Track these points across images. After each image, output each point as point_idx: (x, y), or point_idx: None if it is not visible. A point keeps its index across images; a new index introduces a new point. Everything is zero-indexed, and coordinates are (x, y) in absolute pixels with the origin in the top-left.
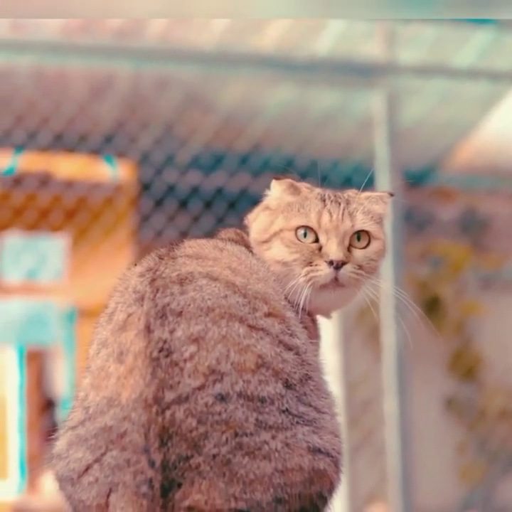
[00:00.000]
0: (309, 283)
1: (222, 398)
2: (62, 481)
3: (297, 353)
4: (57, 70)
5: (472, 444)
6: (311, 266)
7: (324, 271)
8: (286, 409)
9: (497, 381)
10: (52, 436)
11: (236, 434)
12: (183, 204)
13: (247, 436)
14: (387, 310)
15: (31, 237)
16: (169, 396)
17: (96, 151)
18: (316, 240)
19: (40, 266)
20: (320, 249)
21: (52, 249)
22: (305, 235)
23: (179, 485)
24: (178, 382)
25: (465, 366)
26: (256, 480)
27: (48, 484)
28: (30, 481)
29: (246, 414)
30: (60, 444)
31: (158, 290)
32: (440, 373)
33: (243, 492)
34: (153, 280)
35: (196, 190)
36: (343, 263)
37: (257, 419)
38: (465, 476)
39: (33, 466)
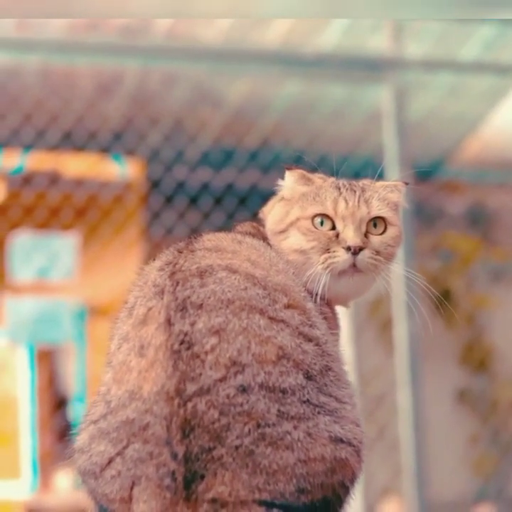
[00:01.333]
0: (327, 269)
1: (243, 389)
2: (85, 475)
3: (317, 344)
4: (65, 69)
5: (485, 436)
6: (328, 253)
7: (342, 257)
8: (308, 400)
9: (509, 373)
10: (66, 435)
11: (258, 425)
12: (193, 201)
13: (269, 427)
14: (399, 303)
15: (41, 236)
16: (191, 388)
17: (105, 149)
18: (333, 228)
19: (51, 264)
20: (337, 236)
21: (62, 248)
22: (322, 223)
23: (202, 477)
24: (200, 374)
25: (477, 358)
26: (279, 470)
27: (61, 483)
28: (42, 479)
29: (268, 405)
30: (82, 438)
31: (178, 283)
32: (452, 366)
33: (266, 483)
34: (172, 273)
35: (206, 186)
36: (361, 249)
37: (278, 410)
38: (478, 468)
39: (45, 464)
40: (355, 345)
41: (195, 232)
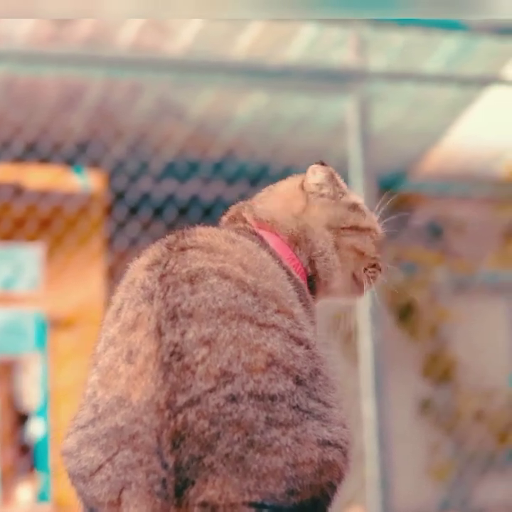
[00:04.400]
0: (371, 279)
1: (233, 399)
2: (74, 478)
3: (307, 347)
4: (28, 80)
5: (448, 446)
6: (376, 268)
7: (380, 275)
8: (297, 406)
9: (471, 384)
10: (27, 448)
11: (247, 433)
12: (158, 212)
13: (258, 434)
14: (363, 314)
15: (6, 247)
16: (181, 399)
17: (68, 161)
18: None
19: (16, 275)
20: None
21: (27, 259)
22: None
23: (193, 483)
24: (190, 386)
25: (440, 369)
26: (269, 474)
27: (23, 496)
28: (4, 493)
29: (256, 414)
30: (70, 442)
31: (168, 288)
32: (415, 377)
33: (257, 485)
34: (162, 276)
35: (171, 198)
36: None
37: (267, 417)
38: (441, 478)
39: (7, 478)
40: None
41: None
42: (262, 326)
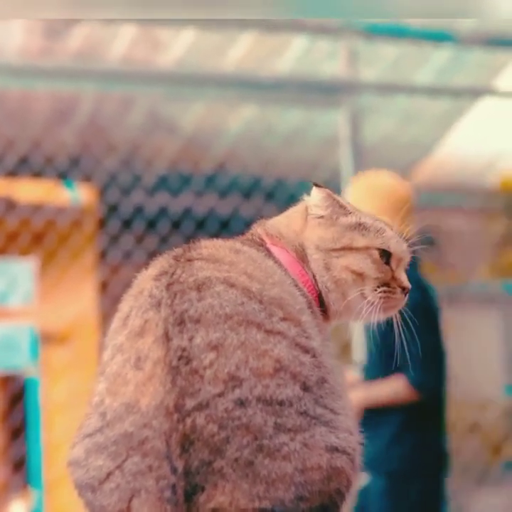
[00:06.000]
0: (383, 302)
1: (241, 403)
2: (82, 488)
3: (314, 356)
4: (20, 93)
5: None
6: (388, 288)
7: (399, 296)
8: (304, 411)
9: (464, 394)
10: (21, 464)
11: (256, 438)
12: (151, 225)
13: (266, 439)
14: (357, 326)
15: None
16: (190, 403)
17: (60, 175)
18: (386, 263)
19: (10, 290)
20: (393, 274)
21: (21, 273)
22: (382, 256)
23: (202, 488)
24: (199, 390)
25: None
26: (278, 479)
27: None
28: None
29: (265, 418)
30: (77, 451)
31: (175, 296)
32: None
33: (266, 491)
34: (169, 285)
35: (164, 211)
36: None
37: (275, 423)
38: None
39: (0, 494)
40: None
41: (153, 256)
42: (268, 332)
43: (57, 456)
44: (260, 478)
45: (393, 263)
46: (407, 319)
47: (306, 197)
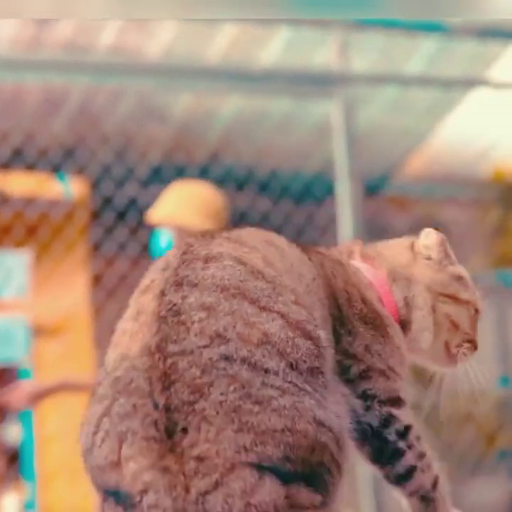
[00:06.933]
0: (461, 358)
1: (226, 358)
2: (87, 467)
3: (316, 345)
4: (10, 86)
5: (436, 448)
6: (470, 344)
7: (471, 356)
8: (291, 382)
9: (457, 386)
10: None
11: (243, 386)
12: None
13: (254, 389)
14: None
15: None
16: (172, 348)
17: (52, 167)
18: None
19: (4, 282)
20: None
21: (15, 265)
22: (474, 314)
23: (185, 430)
24: (184, 339)
25: (427, 372)
26: (267, 433)
27: (9, 505)
28: None
29: (251, 376)
30: (83, 438)
31: (183, 263)
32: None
33: (254, 444)
34: (183, 253)
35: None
36: None
37: (263, 382)
38: None
39: None
40: None
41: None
42: (262, 308)
43: (50, 449)
44: (248, 428)
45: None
46: None
47: (405, 238)
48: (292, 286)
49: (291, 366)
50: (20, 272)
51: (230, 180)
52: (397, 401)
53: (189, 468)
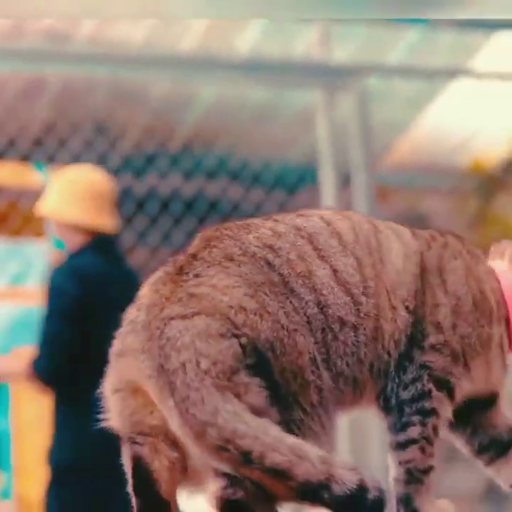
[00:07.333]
0: None
1: (267, 263)
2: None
3: (356, 306)
4: None
5: None
6: None
7: None
8: (309, 317)
9: None
10: None
11: (261, 283)
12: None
13: (273, 288)
14: None
15: (14, 243)
16: (173, 308)
17: (26, 156)
18: None
19: (24, 271)
20: None
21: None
22: None
23: (197, 276)
24: (180, 298)
25: None
26: (257, 312)
27: None
28: None
29: (277, 288)
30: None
31: (207, 246)
32: None
33: (246, 318)
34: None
35: (127, 192)
36: None
37: (286, 297)
38: None
39: None
40: None
41: (127, 241)
42: (320, 257)
43: (26, 438)
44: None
45: None
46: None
47: None
48: (360, 255)
49: (319, 304)
50: (40, 261)
51: (201, 170)
52: (444, 384)
53: (176, 296)
